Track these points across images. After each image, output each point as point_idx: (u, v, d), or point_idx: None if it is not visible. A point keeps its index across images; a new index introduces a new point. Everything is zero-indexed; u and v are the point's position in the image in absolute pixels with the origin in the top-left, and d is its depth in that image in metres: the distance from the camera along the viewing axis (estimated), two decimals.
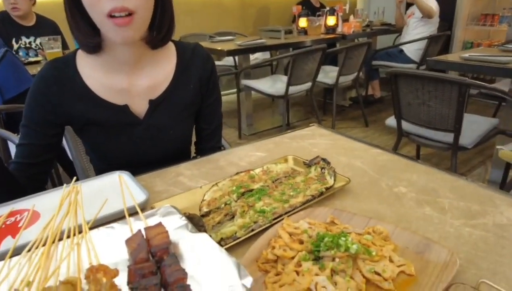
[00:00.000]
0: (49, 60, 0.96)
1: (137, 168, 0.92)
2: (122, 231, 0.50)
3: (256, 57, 4.37)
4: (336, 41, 4.03)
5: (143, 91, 0.97)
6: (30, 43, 2.91)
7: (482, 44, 4.63)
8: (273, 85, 3.33)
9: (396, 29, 4.30)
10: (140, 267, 0.41)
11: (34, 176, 0.93)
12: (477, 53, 2.34)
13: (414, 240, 0.62)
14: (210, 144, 1.16)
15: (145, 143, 1.00)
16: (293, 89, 3.17)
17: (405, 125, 2.19)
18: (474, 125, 2.12)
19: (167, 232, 0.47)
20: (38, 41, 2.91)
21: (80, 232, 0.52)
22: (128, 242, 0.46)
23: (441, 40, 3.96)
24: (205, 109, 1.11)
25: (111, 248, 0.47)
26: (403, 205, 0.75)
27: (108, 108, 0.94)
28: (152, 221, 0.53)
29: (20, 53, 2.83)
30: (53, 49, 2.66)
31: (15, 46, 2.86)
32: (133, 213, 0.63)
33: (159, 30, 0.92)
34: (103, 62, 0.93)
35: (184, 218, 0.53)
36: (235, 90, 3.50)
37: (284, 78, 3.21)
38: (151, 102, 0.98)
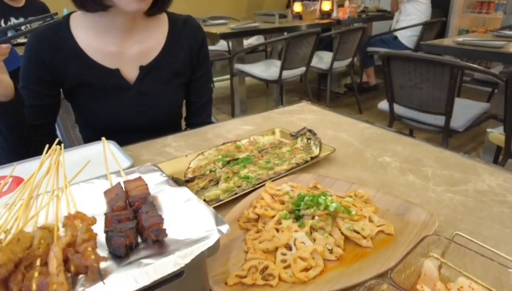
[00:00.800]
0: (42, 25, 0.95)
1: (125, 135, 0.93)
2: (102, 186, 0.51)
3: (250, 43, 4.34)
4: (331, 26, 4.01)
5: (134, 57, 0.98)
6: (19, 24, 2.86)
7: (478, 31, 4.63)
8: (266, 69, 3.32)
9: (391, 15, 4.28)
10: (117, 214, 0.42)
11: (39, 138, 0.94)
12: (471, 38, 2.34)
13: (395, 203, 0.63)
14: (200, 119, 1.18)
15: (134, 109, 1.01)
16: (286, 74, 3.16)
17: (398, 108, 2.20)
18: (466, 109, 2.13)
19: (146, 184, 0.48)
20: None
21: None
22: (106, 192, 0.47)
23: (436, 27, 3.95)
24: (195, 82, 1.12)
25: (91, 201, 0.48)
26: (387, 173, 0.76)
27: (100, 71, 0.95)
28: (133, 177, 0.53)
29: (9, 34, 2.79)
30: None
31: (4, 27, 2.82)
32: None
33: (160, 0, 0.94)
34: (98, 24, 0.94)
35: (164, 174, 0.53)
36: (228, 76, 3.48)
37: (278, 63, 3.19)
38: (141, 68, 0.99)
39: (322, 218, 0.56)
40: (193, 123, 1.17)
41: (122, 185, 0.49)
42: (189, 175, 0.74)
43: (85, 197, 0.49)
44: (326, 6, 3.87)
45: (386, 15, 4.38)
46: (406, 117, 2.20)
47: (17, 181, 0.70)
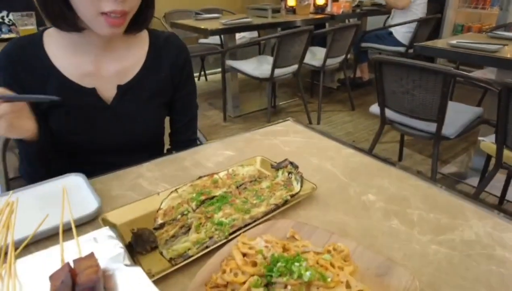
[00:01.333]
0: (14, 39, 0.90)
1: (101, 156, 0.91)
2: (52, 258, 0.46)
3: (243, 36, 4.24)
4: (325, 21, 3.92)
5: (112, 76, 0.94)
6: (2, 18, 2.75)
7: (473, 27, 4.57)
8: (258, 67, 3.24)
9: (386, 10, 4.20)
10: None
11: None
12: (465, 40, 2.29)
13: (376, 261, 0.58)
14: (184, 136, 1.13)
15: (112, 129, 0.97)
16: (279, 72, 3.09)
17: (389, 113, 2.16)
18: (458, 115, 2.09)
19: (97, 266, 0.43)
20: (11, 16, 2.76)
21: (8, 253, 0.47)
22: (52, 278, 0.42)
23: (431, 23, 3.88)
24: (179, 101, 1.07)
25: (36, 282, 0.43)
26: (370, 216, 0.72)
27: (75, 90, 0.90)
28: (89, 247, 0.48)
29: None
30: (26, 26, 2.53)
31: None
32: (77, 224, 0.59)
33: (139, 19, 0.89)
34: (72, 42, 0.89)
35: (121, 245, 0.48)
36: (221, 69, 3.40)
37: (271, 60, 3.12)
38: (119, 87, 0.94)
39: (295, 287, 0.51)
40: (177, 141, 1.13)
41: (71, 262, 0.44)
42: (160, 220, 0.69)
43: (31, 278, 0.44)
44: (320, 1, 3.78)
45: (382, 10, 4.29)
46: (397, 122, 2.16)
47: None
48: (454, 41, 2.25)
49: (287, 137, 1.05)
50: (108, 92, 0.94)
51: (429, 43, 2.43)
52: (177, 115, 1.10)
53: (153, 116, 1.03)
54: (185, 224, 0.68)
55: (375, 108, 2.25)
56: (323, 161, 0.92)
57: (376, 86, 2.08)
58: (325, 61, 3.36)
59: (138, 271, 0.43)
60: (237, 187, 0.79)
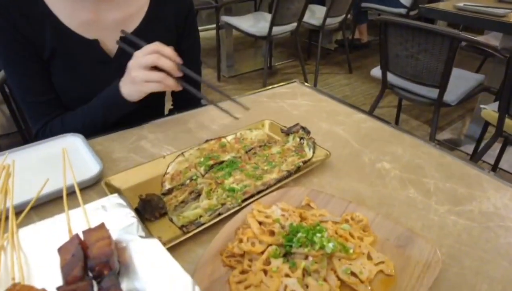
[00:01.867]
0: None
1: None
2: (58, 226, 0.42)
3: None
4: None
5: (114, 25, 0.87)
6: None
7: None
8: (255, 24, 3.11)
9: None
10: (73, 289, 0.34)
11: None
12: (473, 2, 2.20)
13: (396, 231, 0.57)
14: (188, 95, 1.07)
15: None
16: (277, 29, 2.97)
17: (390, 77, 2.10)
18: (460, 81, 2.05)
19: (109, 237, 0.39)
20: None
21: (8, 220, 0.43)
22: (61, 251, 0.38)
23: None
24: (182, 53, 0.99)
25: (41, 254, 0.40)
26: (386, 185, 0.69)
27: (77, 42, 0.84)
28: (97, 216, 0.45)
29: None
30: None
31: None
32: (71, 192, 0.55)
33: None
34: None
35: (133, 214, 0.44)
36: (214, 25, 3.25)
37: (268, 17, 2.99)
38: (122, 39, 0.87)
39: (317, 259, 0.49)
40: (181, 99, 1.07)
41: (81, 234, 0.40)
42: (167, 185, 0.66)
43: (37, 250, 0.40)
44: None
45: None
46: (398, 87, 2.11)
47: None
48: (461, 4, 2.17)
49: (295, 100, 1.00)
50: (110, 44, 0.88)
51: (433, 5, 2.34)
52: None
53: None
54: (194, 189, 0.65)
55: (376, 71, 2.19)
56: (334, 126, 0.88)
57: (380, 49, 2.02)
58: (324, 20, 3.24)
59: (154, 243, 0.40)
60: (246, 152, 0.76)
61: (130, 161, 0.73)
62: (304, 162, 0.72)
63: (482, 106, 1.81)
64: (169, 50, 0.75)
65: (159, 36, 0.90)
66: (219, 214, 0.59)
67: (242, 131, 0.82)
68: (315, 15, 3.44)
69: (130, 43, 0.82)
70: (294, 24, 3.10)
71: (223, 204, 0.61)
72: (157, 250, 0.39)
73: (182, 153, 0.73)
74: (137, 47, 0.78)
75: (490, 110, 1.77)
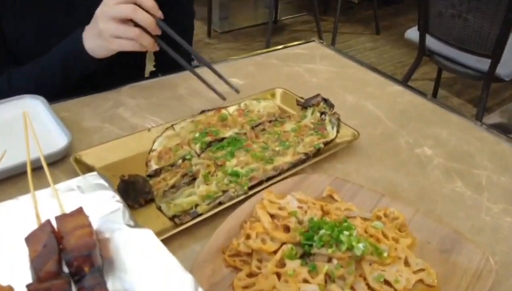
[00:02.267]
0: None
1: None
2: (21, 212, 0.43)
3: None
4: None
5: None
6: None
7: None
8: None
9: None
10: (46, 287, 0.35)
11: None
12: None
13: (439, 233, 0.58)
14: (177, 53, 1.08)
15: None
16: None
17: (430, 41, 2.11)
18: None
19: (90, 225, 0.40)
20: None
21: None
22: (29, 240, 0.38)
23: None
24: (173, 9, 0.99)
25: (4, 244, 0.40)
26: (427, 175, 0.71)
27: None
28: (71, 198, 0.45)
29: None
30: None
31: None
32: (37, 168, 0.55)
33: None
34: None
35: (118, 198, 0.45)
36: None
37: None
38: None
39: (343, 262, 0.50)
40: (166, 58, 1.06)
41: (53, 221, 0.40)
42: (153, 165, 0.67)
43: None
44: None
45: None
46: (440, 54, 2.12)
47: None
48: None
49: (313, 65, 1.01)
50: None
51: None
52: (168, 20, 1.02)
53: None
54: (188, 171, 0.66)
55: (412, 33, 2.20)
56: (362, 99, 0.89)
57: (418, 5, 2.01)
58: None
59: (147, 233, 0.40)
60: (253, 128, 0.77)
61: (105, 133, 0.74)
62: (326, 143, 0.73)
63: None
64: (149, 0, 0.74)
65: None
66: (220, 203, 0.60)
67: (247, 102, 0.83)
68: None
69: None
70: None
71: (224, 191, 0.62)
72: (150, 242, 0.40)
73: (171, 126, 0.74)
74: None
75: None
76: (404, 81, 2.30)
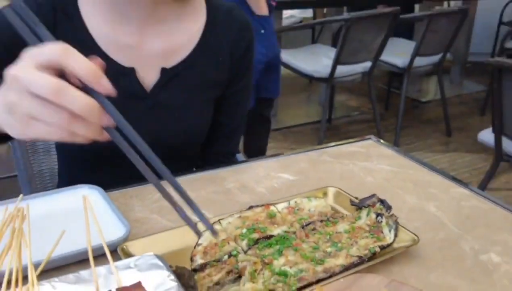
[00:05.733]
0: None
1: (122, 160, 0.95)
2: (84, 285, 0.53)
3: (292, 15, 4.37)
4: (416, 2, 4.00)
5: (156, 55, 1.02)
6: None
7: None
8: (312, 60, 3.34)
9: None
10: None
11: None
12: None
13: None
14: (225, 148, 1.21)
15: (146, 126, 1.02)
16: (342, 69, 3.17)
17: (508, 144, 2.17)
18: None
19: None
20: None
21: (25, 278, 0.54)
22: None
23: None
24: (230, 98, 1.15)
25: None
26: (494, 283, 0.75)
27: (109, 67, 0.96)
28: (128, 275, 0.55)
29: None
30: None
31: None
32: (100, 254, 0.66)
33: None
34: (112, 6, 0.97)
35: (173, 278, 0.54)
36: None
37: (331, 52, 3.21)
38: (164, 71, 1.02)
39: None
40: (215, 153, 1.20)
41: None
42: (199, 260, 0.75)
43: None
44: None
45: None
46: None
47: None
48: None
49: (369, 163, 1.11)
50: (149, 75, 1.02)
51: None
52: (223, 117, 1.17)
53: (201, 112, 1.10)
54: (234, 268, 0.73)
55: (486, 135, 2.27)
56: (424, 201, 0.97)
57: (492, 104, 2.12)
58: (412, 60, 3.42)
59: None
60: (303, 227, 0.85)
61: (153, 224, 0.84)
62: (382, 248, 0.79)
63: None
64: (85, 66, 0.58)
65: (208, 73, 1.06)
66: None
67: (297, 200, 0.91)
68: (398, 52, 3.64)
69: (173, 78, 0.97)
70: (368, 64, 3.29)
71: None
72: None
73: (218, 221, 0.83)
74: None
75: None
76: (481, 188, 2.34)
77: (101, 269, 0.55)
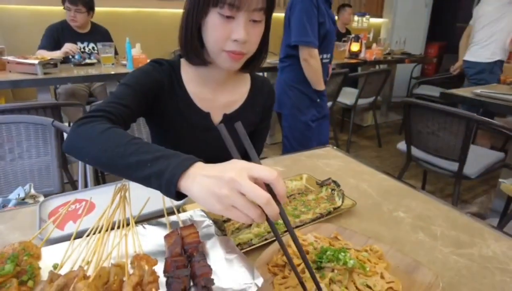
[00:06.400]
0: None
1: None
2: (161, 228, 0.57)
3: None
4: (358, 65, 4.05)
5: (222, 105, 1.05)
6: (84, 48, 3.07)
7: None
8: None
9: (416, 59, 4.27)
10: (175, 260, 0.48)
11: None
12: (489, 90, 2.32)
13: (405, 261, 0.66)
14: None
15: (212, 149, 1.03)
16: None
17: (414, 151, 2.20)
18: (480, 157, 2.10)
19: (197, 232, 0.54)
20: (91, 46, 3.08)
21: (127, 224, 0.59)
22: (166, 237, 0.53)
23: None
24: (256, 131, 1.18)
25: (152, 241, 0.54)
26: (400, 229, 0.79)
27: (196, 112, 1.02)
28: (186, 222, 0.60)
29: (76, 57, 2.98)
30: (107, 54, 2.82)
31: None
32: (170, 212, 0.70)
33: (253, 63, 1.00)
34: (199, 74, 1.01)
35: (211, 221, 0.59)
36: None
37: None
38: (225, 115, 1.06)
39: (341, 272, 0.60)
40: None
41: (178, 230, 0.55)
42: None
43: (148, 237, 0.55)
44: (355, 47, 3.92)
45: (411, 58, 4.38)
46: (422, 160, 2.19)
47: (91, 205, 0.78)
48: (478, 90, 2.29)
49: (328, 161, 1.15)
50: (217, 118, 1.06)
51: (454, 91, 2.48)
52: (253, 140, 1.17)
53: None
54: None
55: (402, 145, 2.30)
56: (360, 182, 1.00)
57: (404, 125, 2.14)
58: (356, 101, 3.46)
59: (226, 239, 0.54)
60: (288, 197, 0.89)
61: None
62: (335, 209, 0.83)
63: (501, 180, 1.84)
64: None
65: (250, 118, 1.11)
66: (266, 239, 0.71)
67: (285, 181, 0.96)
68: (348, 96, 3.68)
69: (230, 119, 1.03)
70: (330, 103, 3.33)
71: (269, 232, 0.74)
72: (228, 244, 0.53)
73: None
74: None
75: (508, 184, 1.79)
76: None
77: (171, 218, 0.60)
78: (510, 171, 2.23)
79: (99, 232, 0.56)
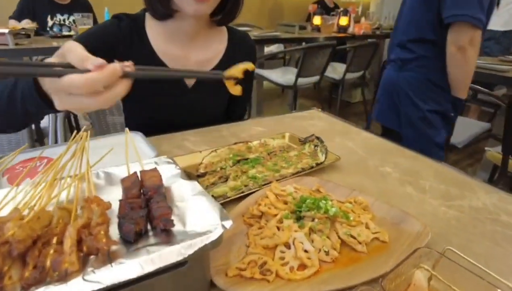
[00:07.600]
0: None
1: (167, 129, 0.93)
2: (120, 174, 0.50)
3: (270, 50, 4.32)
4: (347, 40, 3.96)
5: (195, 64, 0.97)
6: (64, 20, 2.91)
7: None
8: (283, 75, 3.29)
9: None
10: (131, 201, 0.42)
11: None
12: (479, 61, 2.27)
13: (391, 212, 0.61)
14: (238, 113, 1.18)
15: (185, 111, 1.00)
16: (302, 81, 3.13)
17: None
18: (467, 127, 2.08)
19: (160, 175, 0.47)
20: (71, 18, 2.91)
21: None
22: (123, 180, 0.46)
23: None
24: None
25: (109, 187, 0.48)
26: (387, 182, 0.74)
27: None
28: (149, 167, 0.53)
29: (55, 29, 2.82)
30: (85, 25, 2.66)
31: (50, 22, 2.86)
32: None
33: (228, 9, 0.92)
34: (166, 29, 0.93)
35: (178, 167, 0.52)
36: None
37: (295, 71, 3.17)
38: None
39: (322, 221, 0.54)
40: (232, 115, 1.16)
41: (139, 174, 0.48)
42: (201, 170, 0.74)
43: (104, 183, 0.49)
44: (344, 21, 3.82)
45: None
46: None
47: (50, 161, 0.71)
48: None
49: (313, 122, 1.09)
50: (190, 79, 0.99)
51: None
52: (236, 101, 1.14)
53: (222, 101, 1.07)
54: (223, 175, 0.72)
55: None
56: (345, 141, 0.95)
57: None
58: (344, 75, 3.39)
59: (194, 183, 0.47)
60: (268, 154, 0.83)
61: (175, 153, 0.81)
62: (317, 164, 0.78)
63: (487, 148, 1.82)
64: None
65: None
66: (242, 192, 0.65)
67: (266, 139, 0.90)
68: (336, 70, 3.61)
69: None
70: (317, 77, 3.26)
71: (246, 186, 0.68)
72: (196, 187, 0.47)
73: (215, 150, 0.81)
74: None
75: (494, 152, 1.77)
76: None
77: (134, 165, 0.53)
78: (496, 141, 2.21)
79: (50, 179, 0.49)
